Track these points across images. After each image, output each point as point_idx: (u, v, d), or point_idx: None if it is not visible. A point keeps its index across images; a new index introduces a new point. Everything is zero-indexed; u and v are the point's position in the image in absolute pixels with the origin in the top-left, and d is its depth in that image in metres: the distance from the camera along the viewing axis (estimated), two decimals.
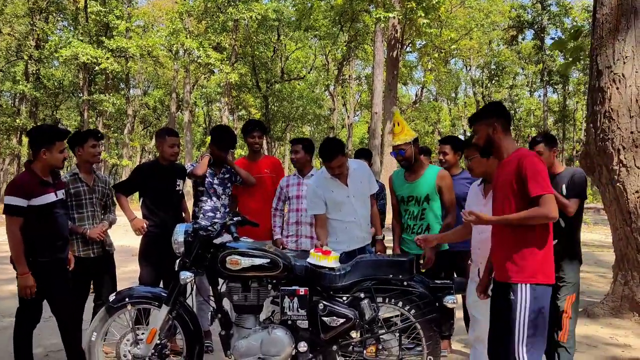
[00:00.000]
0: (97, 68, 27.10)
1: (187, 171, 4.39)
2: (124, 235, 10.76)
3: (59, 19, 30.95)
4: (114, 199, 4.28)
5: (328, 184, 3.82)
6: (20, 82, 28.67)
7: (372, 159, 5.58)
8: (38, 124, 23.43)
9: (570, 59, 7.11)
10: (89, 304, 4.04)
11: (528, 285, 2.58)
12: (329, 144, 3.74)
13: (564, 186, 3.66)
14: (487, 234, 3.06)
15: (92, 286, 4.07)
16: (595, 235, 14.64)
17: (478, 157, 3.16)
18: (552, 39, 34.94)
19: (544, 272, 2.60)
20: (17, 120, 28.49)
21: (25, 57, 28.76)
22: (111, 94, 29.26)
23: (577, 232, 3.75)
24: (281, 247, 4.52)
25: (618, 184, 5.23)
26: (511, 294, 2.61)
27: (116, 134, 33.86)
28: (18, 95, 31.53)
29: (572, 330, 3.65)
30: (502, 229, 2.70)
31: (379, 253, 4.00)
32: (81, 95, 30.16)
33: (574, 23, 30.89)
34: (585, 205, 3.81)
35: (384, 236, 4.25)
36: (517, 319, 2.57)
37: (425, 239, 3.33)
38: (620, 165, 5.21)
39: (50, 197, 3.33)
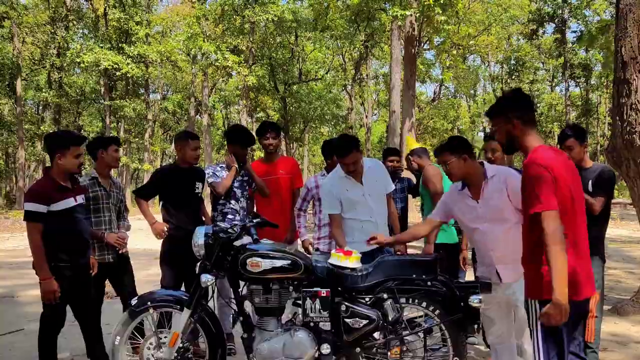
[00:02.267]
0: (117, 73, 27.51)
1: (208, 180, 4.38)
2: (146, 239, 10.86)
3: (79, 27, 31.49)
4: (127, 204, 4.33)
5: (343, 182, 3.78)
6: (44, 90, 29.29)
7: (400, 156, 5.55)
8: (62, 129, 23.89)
9: (609, 58, 6.91)
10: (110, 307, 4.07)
11: (537, 301, 2.39)
12: (343, 139, 3.72)
13: (590, 182, 3.57)
14: (495, 233, 3.01)
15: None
16: (623, 230, 14.33)
17: (455, 161, 3.03)
18: (574, 32, 34.37)
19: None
20: (42, 127, 29.08)
21: (48, 66, 29.33)
22: (131, 100, 29.67)
23: (601, 230, 3.64)
24: (310, 247, 4.51)
25: None
26: (527, 305, 2.47)
27: (137, 139, 34.30)
28: (41, 102, 32.20)
29: (598, 330, 3.55)
30: (524, 240, 2.54)
31: (399, 253, 3.94)
32: (102, 101, 30.66)
33: (596, 15, 30.28)
34: (612, 201, 3.70)
35: None
36: (532, 332, 2.42)
37: (378, 240, 3.35)
38: None
39: (69, 202, 3.36)
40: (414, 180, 5.28)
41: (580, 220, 2.43)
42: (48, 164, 3.46)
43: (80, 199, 3.49)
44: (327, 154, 4.59)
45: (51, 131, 21.57)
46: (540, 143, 2.49)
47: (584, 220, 2.47)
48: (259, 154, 23.91)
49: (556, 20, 32.93)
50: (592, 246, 3.52)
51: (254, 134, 4.68)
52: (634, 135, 5.14)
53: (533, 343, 2.41)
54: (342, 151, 3.64)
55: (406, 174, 5.53)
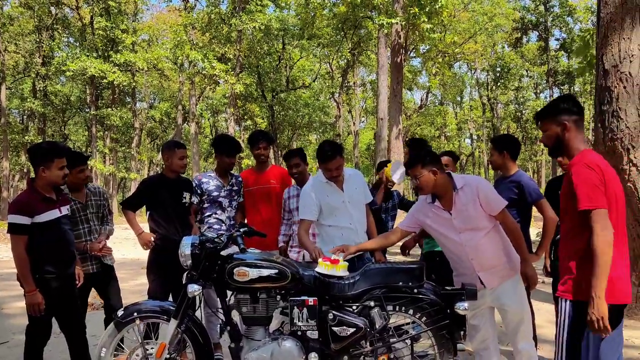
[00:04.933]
0: (104, 81, 27.38)
1: (191, 198, 4.36)
2: (133, 249, 10.78)
3: (65, 35, 31.32)
4: (111, 209, 4.29)
5: (324, 188, 3.79)
6: (28, 99, 29.01)
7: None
8: (47, 140, 23.68)
9: (584, 63, 7.07)
10: (96, 318, 4.03)
11: (568, 301, 2.40)
12: (327, 144, 3.73)
13: None
14: (475, 241, 3.05)
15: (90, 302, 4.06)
16: None
17: (426, 175, 3.06)
18: (557, 39, 34.85)
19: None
20: (26, 137, 28.80)
21: (33, 74, 29.10)
22: (118, 108, 29.52)
23: None
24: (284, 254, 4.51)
25: (629, 184, 5.17)
26: (557, 303, 2.47)
27: (124, 148, 34.09)
28: (26, 112, 31.89)
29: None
30: (563, 237, 2.54)
31: (380, 261, 3.94)
32: (88, 110, 30.46)
33: (578, 24, 30.77)
34: None
35: None
36: (557, 336, 2.43)
37: (343, 249, 3.35)
38: (630, 164, 5.16)
39: (54, 214, 3.33)
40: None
41: (622, 226, 2.43)
42: (33, 174, 3.42)
43: (65, 210, 3.46)
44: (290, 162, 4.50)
45: (36, 142, 21.35)
46: (587, 147, 2.54)
47: (625, 226, 2.47)
48: (247, 162, 23.85)
49: (539, 29, 33.39)
50: None
51: (241, 142, 4.69)
52: (616, 142, 5.24)
53: (558, 345, 2.42)
54: (327, 156, 3.66)
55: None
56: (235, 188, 4.49)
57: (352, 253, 3.41)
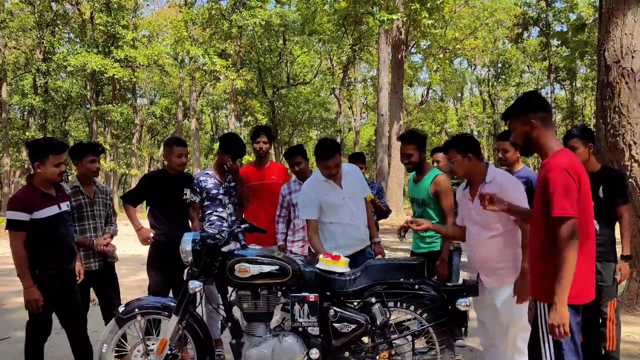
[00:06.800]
0: (104, 77, 27.32)
1: (192, 196, 4.34)
2: (134, 244, 10.77)
3: (66, 31, 31.28)
4: (115, 208, 4.28)
5: (322, 186, 3.78)
6: (29, 95, 28.98)
7: (366, 162, 5.53)
8: (48, 136, 23.73)
9: (576, 53, 7.04)
10: (97, 314, 4.04)
11: (545, 304, 2.38)
12: (325, 142, 3.73)
13: (601, 187, 3.48)
14: (480, 238, 3.06)
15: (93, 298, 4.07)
16: None
17: (460, 160, 3.10)
18: None
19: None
20: (27, 133, 28.78)
21: (33, 70, 29.06)
22: (118, 104, 29.51)
23: (612, 233, 3.58)
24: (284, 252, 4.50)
25: (630, 180, 5.16)
26: (536, 309, 2.46)
27: (124, 144, 34.07)
28: (27, 108, 31.88)
29: (618, 339, 3.46)
30: (531, 242, 2.54)
31: (379, 256, 3.94)
32: (89, 106, 30.43)
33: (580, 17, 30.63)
34: None
35: (380, 239, 4.19)
36: (540, 336, 2.42)
37: (416, 222, 3.27)
38: (632, 160, 5.15)
39: (53, 210, 3.32)
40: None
41: (591, 227, 2.44)
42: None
43: (65, 206, 3.45)
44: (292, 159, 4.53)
45: (36, 137, 21.35)
46: (561, 146, 2.51)
47: (593, 226, 2.49)
48: (247, 158, 23.84)
49: (541, 24, 33.28)
50: (609, 252, 3.49)
51: (242, 138, 4.66)
52: (618, 138, 5.23)
53: (542, 345, 2.40)
54: (325, 154, 3.64)
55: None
56: (232, 184, 4.47)
57: (424, 230, 3.30)
